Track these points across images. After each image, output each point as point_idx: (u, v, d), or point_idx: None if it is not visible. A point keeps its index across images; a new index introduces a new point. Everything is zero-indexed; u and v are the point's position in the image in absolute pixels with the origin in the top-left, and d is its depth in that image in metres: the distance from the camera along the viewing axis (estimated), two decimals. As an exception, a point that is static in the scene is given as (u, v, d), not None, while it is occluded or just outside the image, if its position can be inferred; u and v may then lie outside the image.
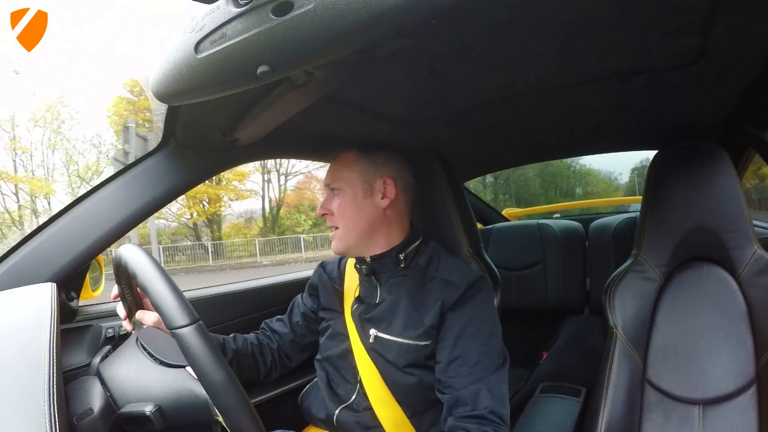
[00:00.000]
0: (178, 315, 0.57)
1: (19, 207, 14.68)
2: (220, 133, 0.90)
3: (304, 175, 19.14)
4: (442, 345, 0.85)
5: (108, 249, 0.91)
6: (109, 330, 0.99)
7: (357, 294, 0.97)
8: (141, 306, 0.82)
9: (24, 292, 0.73)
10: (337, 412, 0.92)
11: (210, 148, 0.97)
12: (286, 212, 19.01)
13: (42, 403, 0.52)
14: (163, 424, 0.62)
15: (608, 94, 1.06)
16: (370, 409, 0.89)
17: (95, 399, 0.64)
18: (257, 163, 17.61)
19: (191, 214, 17.17)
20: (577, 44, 0.78)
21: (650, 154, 1.11)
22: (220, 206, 17.65)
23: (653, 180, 1.04)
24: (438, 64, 0.83)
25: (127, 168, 0.93)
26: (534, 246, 1.90)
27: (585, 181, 20.26)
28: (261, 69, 0.50)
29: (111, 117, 15.81)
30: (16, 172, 14.99)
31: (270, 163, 18.04)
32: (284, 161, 17.82)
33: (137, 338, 0.71)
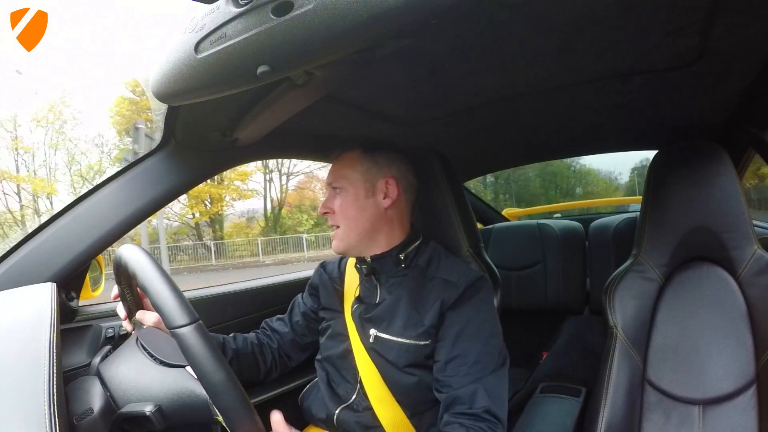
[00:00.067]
0: (177, 314, 0.57)
1: (21, 207, 14.73)
2: (220, 133, 0.90)
3: (306, 175, 19.22)
4: (441, 344, 0.85)
5: (108, 249, 0.91)
6: (109, 330, 0.99)
7: (357, 294, 0.97)
8: (141, 306, 0.82)
9: (24, 292, 0.73)
10: (337, 412, 0.92)
11: (210, 148, 0.97)
12: (288, 212, 19.04)
13: (42, 403, 0.52)
14: (163, 424, 0.62)
15: (608, 94, 1.06)
16: (370, 409, 0.89)
17: (95, 399, 0.64)
18: (259, 163, 17.68)
19: (193, 214, 17.19)
20: (577, 44, 0.78)
21: (650, 154, 1.11)
22: (223, 206, 17.68)
23: (653, 180, 1.04)
24: (438, 64, 0.83)
25: (127, 168, 0.93)
26: (534, 246, 1.90)
27: (585, 180, 20.27)
28: (261, 69, 0.50)
29: (113, 117, 15.85)
30: (18, 172, 15.03)
31: (272, 163, 18.10)
32: (286, 161, 17.87)
33: (137, 338, 0.71)
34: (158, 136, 0.93)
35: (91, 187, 0.93)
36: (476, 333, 0.84)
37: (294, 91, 0.68)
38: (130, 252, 0.64)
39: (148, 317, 0.78)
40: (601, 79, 0.96)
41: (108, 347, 0.80)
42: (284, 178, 19.07)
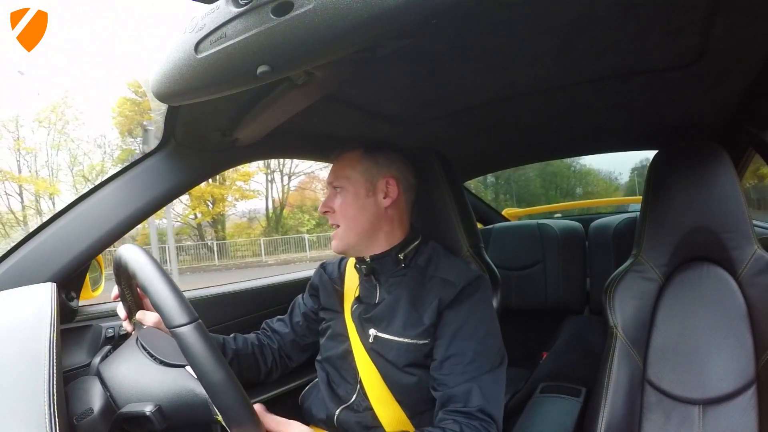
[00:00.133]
0: (177, 314, 0.57)
1: (23, 207, 14.76)
2: (220, 133, 0.90)
3: (307, 175, 19.24)
4: (438, 343, 0.85)
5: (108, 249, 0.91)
6: (109, 330, 0.99)
7: (357, 294, 0.97)
8: (141, 306, 0.82)
9: (24, 292, 0.73)
10: (337, 412, 0.92)
11: (210, 148, 0.97)
12: (290, 212, 19.06)
13: (42, 403, 0.52)
14: (163, 424, 0.62)
15: (608, 94, 1.06)
16: (370, 409, 0.89)
17: (95, 399, 0.64)
18: (261, 164, 17.70)
19: (195, 215, 17.20)
20: (577, 44, 0.78)
21: (650, 154, 1.11)
22: (225, 206, 17.71)
23: (653, 180, 1.04)
24: (438, 64, 0.83)
25: (127, 168, 0.94)
26: (534, 246, 1.90)
27: (585, 180, 20.26)
28: (261, 69, 0.50)
29: (116, 118, 15.86)
30: (20, 172, 15.04)
31: (273, 163, 18.13)
32: (287, 162, 17.89)
33: (137, 338, 0.71)
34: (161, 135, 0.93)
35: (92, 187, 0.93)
36: (473, 332, 0.84)
37: (294, 91, 0.68)
38: (130, 252, 0.64)
39: (148, 317, 0.78)
40: (601, 79, 0.96)
41: (108, 347, 0.80)
42: (286, 178, 19.14)
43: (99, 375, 0.68)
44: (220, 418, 0.58)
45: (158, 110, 0.87)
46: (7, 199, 14.47)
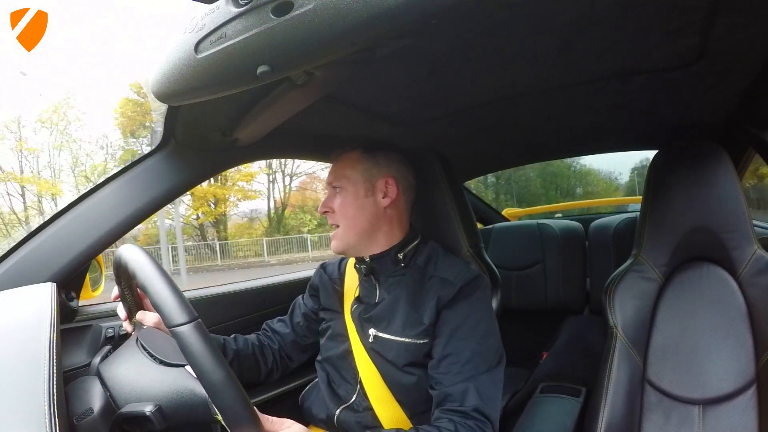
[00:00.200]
0: (177, 313, 0.57)
1: (26, 207, 14.77)
2: (220, 133, 0.90)
3: (308, 175, 19.25)
4: (436, 342, 0.85)
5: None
6: (109, 330, 0.99)
7: (357, 294, 0.97)
8: (141, 306, 0.82)
9: (24, 292, 0.73)
10: (337, 412, 0.92)
11: (210, 148, 0.97)
12: (291, 212, 19.07)
13: (42, 403, 0.52)
14: (163, 424, 0.62)
15: (608, 94, 1.06)
16: (370, 409, 0.89)
17: (95, 399, 0.64)
18: (263, 164, 17.72)
19: (197, 215, 17.21)
20: (577, 44, 0.78)
21: (650, 154, 1.11)
22: (227, 206, 17.73)
23: (653, 180, 1.04)
24: (438, 64, 0.83)
25: (127, 168, 0.93)
26: (534, 246, 1.90)
27: (585, 180, 20.27)
28: (261, 69, 0.50)
29: (118, 119, 15.88)
30: (22, 173, 15.07)
31: (275, 163, 18.16)
32: (289, 162, 17.91)
33: (137, 338, 0.71)
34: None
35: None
36: (471, 332, 0.84)
37: (294, 91, 0.68)
38: (130, 252, 0.64)
39: (148, 317, 0.78)
40: (601, 79, 0.96)
41: (108, 347, 0.80)
42: (287, 178, 19.16)
43: (99, 375, 0.68)
44: (220, 417, 0.58)
45: (159, 110, 0.88)
46: (9, 199, 14.55)
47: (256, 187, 18.53)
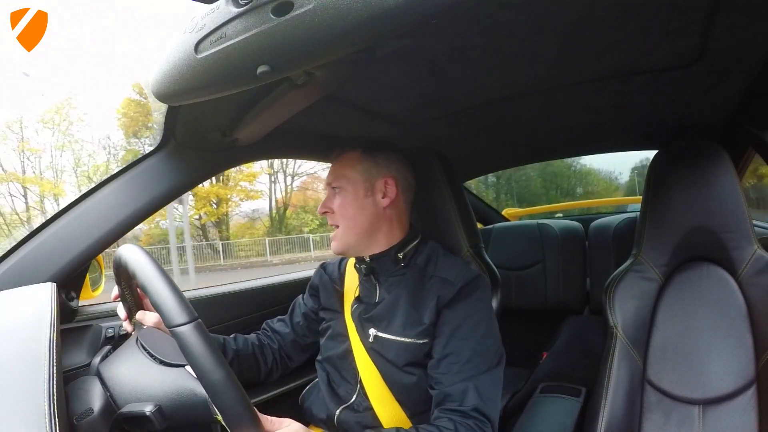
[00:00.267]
0: (177, 313, 0.56)
1: (27, 208, 14.79)
2: (220, 133, 0.90)
3: (309, 175, 19.29)
4: (436, 341, 0.85)
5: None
6: (109, 330, 0.99)
7: (357, 294, 0.97)
8: (141, 306, 0.82)
9: (24, 292, 0.73)
10: (337, 412, 0.92)
11: (210, 148, 0.97)
12: (293, 212, 19.10)
13: (42, 403, 0.52)
14: (163, 424, 0.62)
15: (608, 94, 1.06)
16: (370, 409, 0.89)
17: (95, 399, 0.64)
18: (265, 165, 17.75)
19: (199, 216, 17.23)
20: (577, 44, 0.78)
21: (650, 154, 1.11)
22: (229, 206, 17.75)
23: (653, 180, 1.04)
24: (438, 64, 0.83)
25: (127, 168, 0.93)
26: (534, 246, 1.90)
27: (585, 180, 20.28)
28: (261, 69, 0.50)
29: (121, 119, 15.91)
30: (24, 173, 15.09)
31: (276, 163, 18.19)
32: (290, 162, 17.94)
33: (137, 338, 0.71)
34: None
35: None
36: (471, 332, 0.84)
37: (294, 91, 0.68)
38: (130, 252, 0.64)
39: (148, 317, 0.78)
40: (601, 79, 0.96)
41: (108, 347, 0.80)
42: (289, 178, 19.19)
43: (99, 375, 0.68)
44: (220, 417, 0.58)
45: (159, 111, 0.88)
46: (12, 199, 14.58)
47: (258, 187, 18.62)
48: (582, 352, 1.47)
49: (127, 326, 0.83)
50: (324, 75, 0.63)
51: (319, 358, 1.02)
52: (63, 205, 0.91)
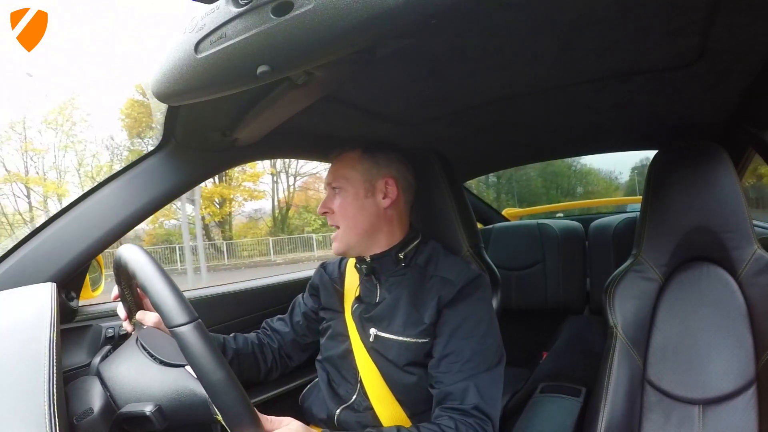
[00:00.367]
0: (177, 313, 0.56)
1: (31, 208, 14.83)
2: (220, 133, 0.90)
3: (311, 176, 19.32)
4: (437, 341, 0.85)
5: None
6: (109, 330, 0.99)
7: (357, 294, 0.97)
8: (141, 306, 0.82)
9: (24, 292, 0.73)
10: (338, 412, 0.92)
11: (210, 148, 0.97)
12: (295, 212, 19.13)
13: (42, 403, 0.52)
14: (163, 424, 0.62)
15: (608, 94, 1.06)
16: (370, 408, 0.89)
17: (95, 399, 0.64)
18: (267, 165, 17.78)
19: (202, 216, 17.25)
20: (577, 44, 0.78)
21: (650, 154, 1.11)
22: (232, 206, 17.77)
23: (653, 180, 1.04)
24: (438, 64, 0.83)
25: (127, 168, 0.94)
26: (534, 246, 1.90)
27: (586, 180, 20.28)
28: (261, 69, 0.50)
29: (124, 120, 15.93)
30: (27, 173, 15.11)
31: (279, 164, 18.23)
32: (293, 162, 17.95)
33: (137, 338, 0.71)
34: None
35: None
36: (471, 331, 0.84)
37: (294, 91, 0.68)
38: (130, 252, 0.64)
39: (148, 317, 0.78)
40: (601, 79, 0.96)
41: (108, 347, 0.80)
42: (291, 178, 19.21)
43: (99, 375, 0.68)
44: (220, 418, 0.58)
45: (160, 110, 0.88)
46: (15, 200, 14.61)
47: (261, 188, 18.64)
48: (582, 352, 1.47)
49: (127, 326, 0.83)
50: (324, 75, 0.63)
51: (319, 357, 1.02)
52: (65, 204, 0.91)
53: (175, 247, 15.42)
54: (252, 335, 1.04)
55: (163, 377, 0.65)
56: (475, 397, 0.79)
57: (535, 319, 1.90)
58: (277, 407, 1.15)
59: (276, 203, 19.06)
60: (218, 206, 17.26)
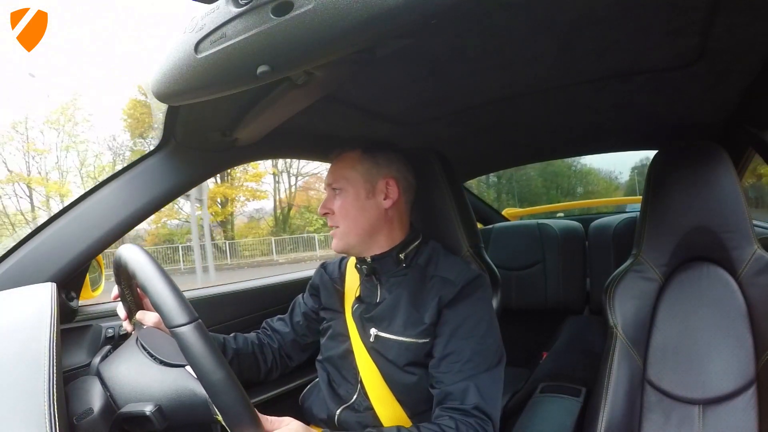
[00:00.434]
0: (177, 313, 0.56)
1: (33, 208, 14.87)
2: (220, 133, 0.90)
3: (313, 176, 19.35)
4: (437, 341, 0.85)
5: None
6: (109, 330, 0.99)
7: (357, 294, 0.97)
8: (141, 306, 0.82)
9: (24, 292, 0.73)
10: (338, 412, 0.92)
11: (210, 148, 0.97)
12: (297, 212, 19.15)
13: (42, 403, 0.52)
14: (163, 424, 0.62)
15: (608, 94, 1.06)
16: (371, 409, 0.89)
17: (95, 399, 0.64)
18: (269, 165, 17.80)
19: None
20: (577, 44, 0.78)
21: (650, 154, 1.11)
22: (233, 206, 17.79)
23: (653, 180, 1.04)
24: (438, 64, 0.83)
25: (127, 168, 0.94)
26: (534, 246, 1.90)
27: (586, 180, 20.29)
28: (261, 69, 0.50)
29: (127, 120, 15.94)
30: (29, 173, 15.13)
31: (280, 164, 18.24)
32: (294, 162, 17.97)
33: (137, 338, 0.71)
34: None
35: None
36: (471, 331, 0.84)
37: (294, 91, 0.68)
38: (130, 252, 0.64)
39: (148, 317, 0.78)
40: (601, 79, 0.96)
41: (108, 347, 0.80)
42: (293, 178, 19.23)
43: (99, 375, 0.68)
44: (220, 418, 0.58)
45: (161, 109, 0.88)
46: (17, 200, 14.64)
47: (263, 188, 18.68)
48: (582, 352, 1.47)
49: (127, 326, 0.83)
50: (324, 75, 0.63)
51: (319, 357, 1.02)
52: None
53: (177, 246, 15.43)
54: (252, 335, 1.04)
55: (163, 377, 0.65)
56: (476, 397, 0.79)
57: (535, 319, 1.90)
58: (277, 407, 1.15)
59: (278, 203, 19.09)
60: (221, 206, 17.28)
